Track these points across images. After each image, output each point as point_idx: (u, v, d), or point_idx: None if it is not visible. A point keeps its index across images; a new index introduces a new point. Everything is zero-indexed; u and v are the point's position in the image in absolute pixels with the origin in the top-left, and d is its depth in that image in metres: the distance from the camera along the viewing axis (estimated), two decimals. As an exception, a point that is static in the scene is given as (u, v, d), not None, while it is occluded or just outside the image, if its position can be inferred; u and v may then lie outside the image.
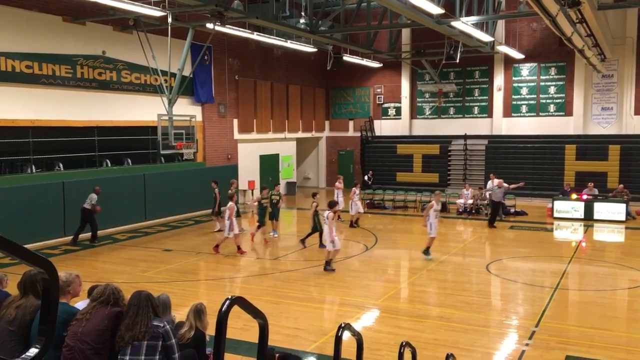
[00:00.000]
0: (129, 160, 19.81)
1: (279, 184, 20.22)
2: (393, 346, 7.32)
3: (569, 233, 19.16)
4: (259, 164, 26.48)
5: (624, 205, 19.87)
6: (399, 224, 20.69)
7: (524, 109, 27.63)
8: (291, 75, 28.64)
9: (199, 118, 22.05)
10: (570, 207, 20.40)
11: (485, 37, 19.83)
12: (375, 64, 27.62)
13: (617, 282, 12.64)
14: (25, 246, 2.12)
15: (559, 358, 7.90)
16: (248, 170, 25.21)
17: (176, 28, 17.33)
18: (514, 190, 20.32)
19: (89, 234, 16.24)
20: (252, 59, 25.76)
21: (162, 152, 18.19)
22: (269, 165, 27.21)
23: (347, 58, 23.74)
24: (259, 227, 16.53)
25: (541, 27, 25.56)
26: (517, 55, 25.03)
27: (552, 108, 27.11)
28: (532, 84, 27.34)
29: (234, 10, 15.14)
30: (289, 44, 21.05)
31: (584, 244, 16.91)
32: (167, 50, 16.78)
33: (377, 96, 30.63)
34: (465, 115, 28.88)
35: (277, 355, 5.60)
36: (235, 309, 3.17)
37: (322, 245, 15.13)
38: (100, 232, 16.46)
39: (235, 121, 24.89)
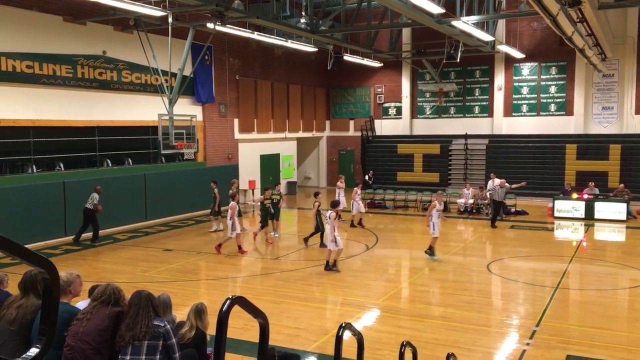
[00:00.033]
0: (130, 160, 19.82)
1: (280, 184, 20.23)
2: (394, 346, 7.32)
3: (569, 232, 19.15)
4: (259, 164, 26.49)
5: (624, 205, 19.86)
6: (400, 223, 20.68)
7: (524, 108, 27.62)
8: (292, 75, 28.64)
9: (200, 118, 22.06)
10: (571, 207, 20.39)
11: (485, 37, 19.83)
12: (376, 64, 27.62)
13: (617, 282, 12.63)
14: (26, 246, 2.12)
15: (559, 357, 7.90)
16: (249, 170, 25.21)
17: (177, 28, 17.34)
18: (515, 190, 20.32)
19: (90, 234, 16.24)
20: (253, 58, 25.76)
21: (163, 152, 18.20)
22: (270, 165, 27.21)
23: (347, 58, 23.73)
24: (262, 227, 16.54)
25: (542, 26, 25.55)
26: (517, 54, 25.04)
27: (552, 107, 27.10)
28: (533, 83, 27.33)
29: (234, 10, 15.14)
30: (290, 44, 21.05)
31: (584, 244, 16.90)
32: (168, 50, 16.79)
33: (378, 96, 30.62)
34: (466, 115, 28.87)
35: (276, 356, 5.60)
36: (236, 308, 3.17)
37: (322, 245, 15.13)
38: (101, 232, 16.46)
39: (236, 121, 24.89)
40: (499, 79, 27.76)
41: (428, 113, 29.75)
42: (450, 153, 27.74)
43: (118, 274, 12.60)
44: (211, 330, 4.27)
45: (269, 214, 16.60)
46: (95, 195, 15.89)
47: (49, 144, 17.26)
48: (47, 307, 2.37)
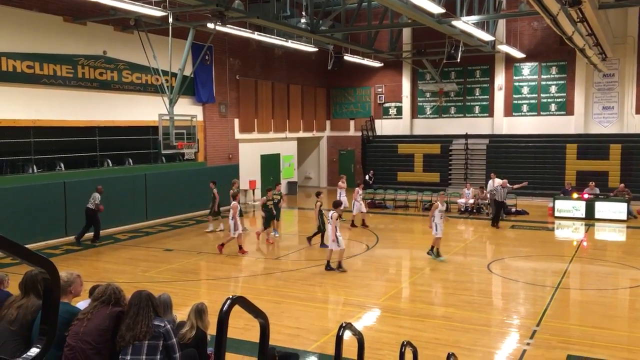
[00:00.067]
0: (130, 160, 19.82)
1: (280, 184, 20.22)
2: (394, 345, 7.32)
3: (570, 232, 19.14)
4: (260, 164, 26.49)
5: (625, 205, 19.85)
6: (400, 223, 20.68)
7: (525, 108, 27.62)
8: (292, 74, 28.64)
9: (200, 118, 22.06)
10: (571, 207, 20.38)
11: (486, 37, 19.83)
12: (376, 64, 27.62)
13: (618, 282, 12.63)
14: (27, 246, 2.12)
15: (560, 357, 7.90)
16: (249, 170, 25.22)
17: (177, 28, 17.34)
18: (516, 190, 20.32)
19: (91, 234, 16.25)
20: (253, 58, 25.77)
21: (163, 152, 18.21)
22: (270, 165, 27.21)
23: (348, 58, 23.73)
24: (265, 228, 16.55)
25: (542, 26, 25.55)
26: (518, 54, 25.03)
27: (553, 107, 27.09)
28: (533, 83, 27.33)
29: (234, 10, 15.14)
30: (290, 44, 21.05)
31: (585, 243, 16.90)
32: (168, 50, 16.79)
33: (378, 96, 30.62)
34: (466, 115, 28.87)
35: (276, 356, 5.61)
36: (237, 308, 3.17)
37: (323, 245, 15.13)
38: (101, 232, 16.45)
39: (236, 121, 24.90)
40: (499, 79, 27.76)
41: (428, 113, 29.75)
42: (450, 153, 27.75)
43: (118, 274, 12.61)
44: (212, 330, 4.27)
45: (272, 215, 16.61)
46: (97, 195, 15.89)
47: (49, 144, 17.27)
48: (48, 307, 2.37)
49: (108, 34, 18.34)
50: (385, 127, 30.33)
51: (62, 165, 17.51)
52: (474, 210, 21.48)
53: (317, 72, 30.15)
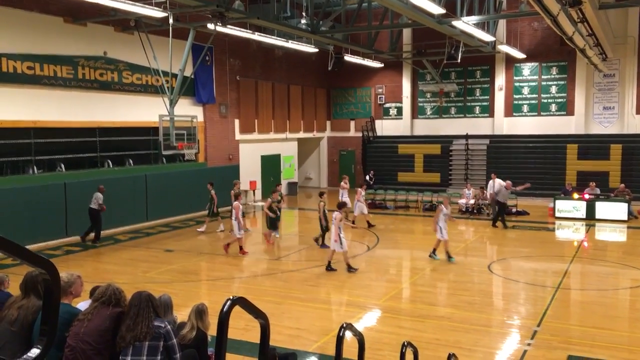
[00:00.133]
0: (131, 161, 19.82)
1: (280, 184, 20.23)
2: (395, 346, 7.32)
3: (570, 233, 19.14)
4: (260, 165, 26.49)
5: (625, 205, 19.84)
6: (401, 224, 20.68)
7: (525, 108, 27.61)
8: (292, 75, 28.64)
9: (200, 118, 22.06)
10: (572, 207, 20.38)
11: (486, 37, 19.82)
12: (377, 64, 27.61)
13: (619, 282, 12.62)
14: (27, 247, 2.12)
15: (561, 358, 7.90)
16: (249, 171, 25.22)
17: (177, 29, 17.34)
18: (519, 191, 20.31)
19: (92, 235, 16.26)
20: (253, 59, 25.77)
21: (164, 152, 18.20)
22: (271, 165, 27.21)
23: (348, 58, 23.73)
24: (274, 229, 16.56)
25: (542, 26, 25.54)
26: (518, 54, 25.02)
27: (553, 107, 27.09)
28: (534, 83, 27.32)
29: (235, 10, 15.15)
30: (290, 44, 21.05)
31: (585, 244, 16.89)
32: (169, 51, 16.79)
33: (379, 96, 30.62)
34: (467, 115, 28.86)
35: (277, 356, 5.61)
36: (237, 309, 3.17)
37: (324, 245, 15.14)
38: (102, 233, 16.46)
39: (237, 121, 24.90)
40: (500, 79, 27.76)
41: (429, 113, 29.75)
42: (451, 153, 27.74)
43: (119, 275, 12.60)
44: (212, 331, 4.27)
45: (278, 217, 16.63)
46: (100, 195, 15.92)
47: (49, 145, 17.27)
48: (48, 307, 2.37)
49: (108, 34, 18.34)
50: (385, 127, 30.34)
51: (62, 166, 17.51)
52: (475, 211, 21.48)
53: (318, 72, 30.15)
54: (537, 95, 27.32)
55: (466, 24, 16.98)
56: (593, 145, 25.06)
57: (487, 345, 8.52)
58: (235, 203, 15.02)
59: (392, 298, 11.07)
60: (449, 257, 13.86)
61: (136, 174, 19.20)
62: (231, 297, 3.18)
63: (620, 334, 9.06)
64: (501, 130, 27.82)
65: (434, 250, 14.11)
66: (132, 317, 4.15)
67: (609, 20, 21.29)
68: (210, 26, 17.00)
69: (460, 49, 21.00)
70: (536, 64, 27.06)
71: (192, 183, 20.68)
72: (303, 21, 19.18)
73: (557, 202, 20.67)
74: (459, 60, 21.45)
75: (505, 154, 26.57)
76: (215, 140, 23.50)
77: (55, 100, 16.87)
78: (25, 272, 4.40)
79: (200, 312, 5.50)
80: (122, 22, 17.82)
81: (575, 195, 20.57)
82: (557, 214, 20.42)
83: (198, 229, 18.24)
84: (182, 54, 17.79)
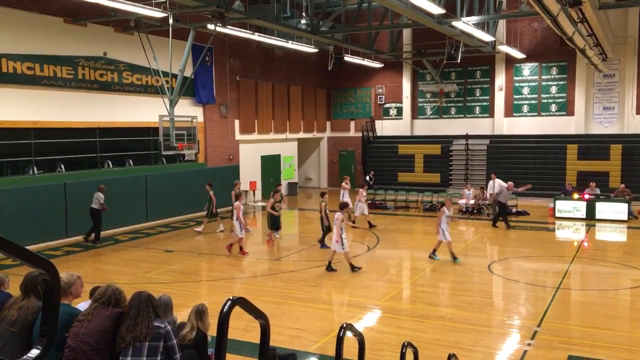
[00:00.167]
0: (131, 161, 19.82)
1: (280, 185, 20.22)
2: (395, 346, 7.32)
3: (570, 233, 19.14)
4: (260, 165, 26.49)
5: (625, 205, 19.84)
6: (401, 224, 20.68)
7: (525, 108, 27.61)
8: (292, 75, 28.64)
9: (200, 119, 22.07)
10: (572, 207, 20.38)
11: (486, 37, 19.82)
12: (377, 64, 27.62)
13: (619, 282, 12.62)
14: (27, 247, 2.12)
15: (561, 358, 7.89)
16: (249, 171, 25.21)
17: (177, 29, 17.35)
18: (518, 191, 20.31)
19: (92, 235, 16.26)
20: (253, 59, 25.77)
21: (164, 153, 18.21)
22: (271, 165, 27.21)
23: (348, 58, 23.73)
24: (276, 230, 16.56)
25: (542, 26, 25.54)
26: (518, 55, 25.02)
27: (553, 108, 27.09)
28: (534, 83, 27.32)
29: (235, 11, 15.14)
30: (290, 45, 21.05)
31: (586, 244, 16.89)
32: (169, 51, 16.80)
33: (379, 96, 30.62)
34: (467, 115, 28.86)
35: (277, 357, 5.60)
36: (237, 309, 3.17)
37: (324, 245, 15.13)
38: (102, 233, 16.46)
39: (237, 122, 24.90)
40: (500, 80, 27.76)
41: (429, 113, 29.75)
42: (451, 153, 27.74)
43: (119, 275, 12.60)
44: (212, 331, 4.27)
45: (279, 217, 16.64)
46: (101, 195, 15.93)
47: (49, 146, 17.27)
48: (48, 308, 2.37)
49: (108, 35, 18.34)
50: (385, 127, 30.33)
51: (62, 166, 17.51)
52: (475, 211, 21.47)
53: (318, 72, 30.15)
54: (537, 96, 27.32)
55: (466, 24, 16.98)
56: (593, 146, 25.05)
57: (487, 346, 8.52)
58: (237, 203, 15.03)
59: (392, 298, 11.07)
60: (454, 257, 13.84)
61: (136, 175, 19.20)
62: (231, 298, 3.17)
63: (620, 334, 9.05)
64: (501, 131, 27.82)
65: (434, 250, 14.11)
66: (132, 318, 4.15)
67: (609, 20, 21.28)
68: (210, 26, 17.01)
69: (460, 49, 20.99)
70: (536, 64, 27.06)
71: (192, 183, 20.68)
72: (303, 21, 19.18)
73: (557, 202, 20.67)
74: (458, 61, 21.44)
75: (506, 154, 26.56)
76: (215, 141, 23.50)
77: (55, 100, 16.87)
78: (25, 272, 4.40)
79: (200, 313, 5.49)
80: (122, 23, 17.82)
81: (576, 196, 20.58)
82: (557, 214, 20.42)
83: (195, 229, 18.24)
84: (182, 55, 17.79)
